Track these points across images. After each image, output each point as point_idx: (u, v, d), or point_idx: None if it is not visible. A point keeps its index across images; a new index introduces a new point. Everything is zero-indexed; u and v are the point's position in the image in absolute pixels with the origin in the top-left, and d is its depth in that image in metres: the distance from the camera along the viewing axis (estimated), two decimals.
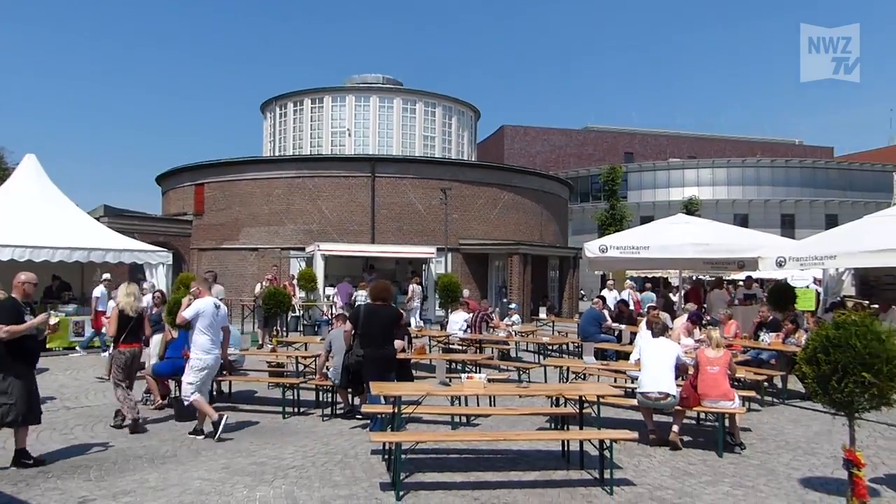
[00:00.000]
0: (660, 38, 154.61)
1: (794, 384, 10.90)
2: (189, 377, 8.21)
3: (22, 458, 6.85)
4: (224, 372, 9.70)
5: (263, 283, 19.21)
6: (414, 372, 11.26)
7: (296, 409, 9.79)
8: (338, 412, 9.67)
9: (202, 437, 8.13)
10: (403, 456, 6.50)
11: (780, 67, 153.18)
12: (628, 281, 23.38)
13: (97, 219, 21.29)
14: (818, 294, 17.53)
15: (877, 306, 12.95)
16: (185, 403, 8.37)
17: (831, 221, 46.77)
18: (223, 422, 8.06)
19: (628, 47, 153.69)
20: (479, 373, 10.38)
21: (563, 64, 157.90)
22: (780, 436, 8.68)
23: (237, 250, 28.94)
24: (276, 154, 37.46)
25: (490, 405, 9.71)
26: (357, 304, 17.26)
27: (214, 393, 10.93)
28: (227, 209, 29.47)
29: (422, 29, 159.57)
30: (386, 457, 7.14)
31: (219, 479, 6.55)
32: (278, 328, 18.16)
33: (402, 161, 30.16)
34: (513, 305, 19.63)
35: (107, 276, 15.89)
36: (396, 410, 6.88)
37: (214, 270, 18.54)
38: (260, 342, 16.88)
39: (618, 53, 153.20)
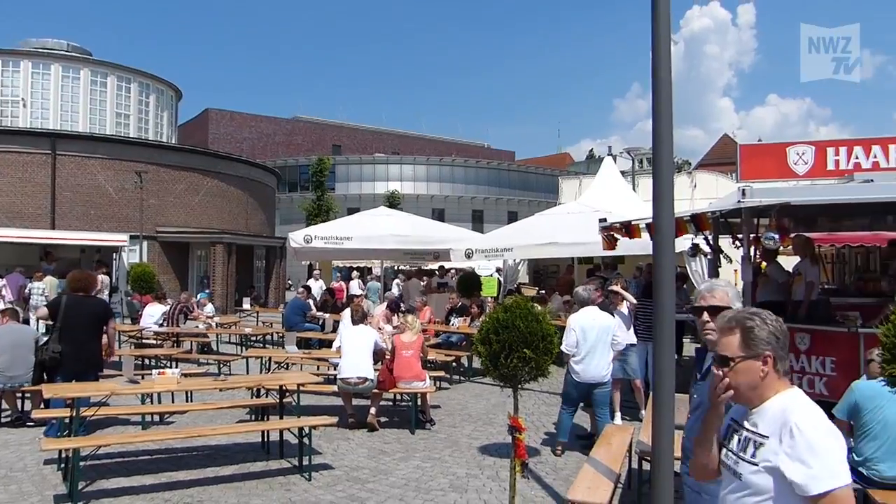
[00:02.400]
0: (369, 36, 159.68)
1: (479, 362, 12.08)
2: None
3: None
4: None
5: None
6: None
7: None
8: (3, 421, 8.42)
9: None
10: (83, 463, 5.92)
11: (475, 75, 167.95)
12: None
13: None
14: (499, 282, 19.64)
15: (543, 292, 14.93)
16: None
17: (512, 217, 52.45)
18: None
19: (338, 41, 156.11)
20: (175, 368, 9.80)
21: (271, 50, 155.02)
22: (464, 410, 9.58)
23: None
24: None
25: (186, 401, 9.23)
26: (31, 297, 15.26)
27: None
28: None
29: None
30: (62, 465, 6.41)
31: None
32: None
33: (89, 139, 27.12)
34: (205, 293, 18.95)
35: None
36: (74, 413, 6.21)
37: None
38: None
39: (328, 46, 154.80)
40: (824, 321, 8.11)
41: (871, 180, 8.80)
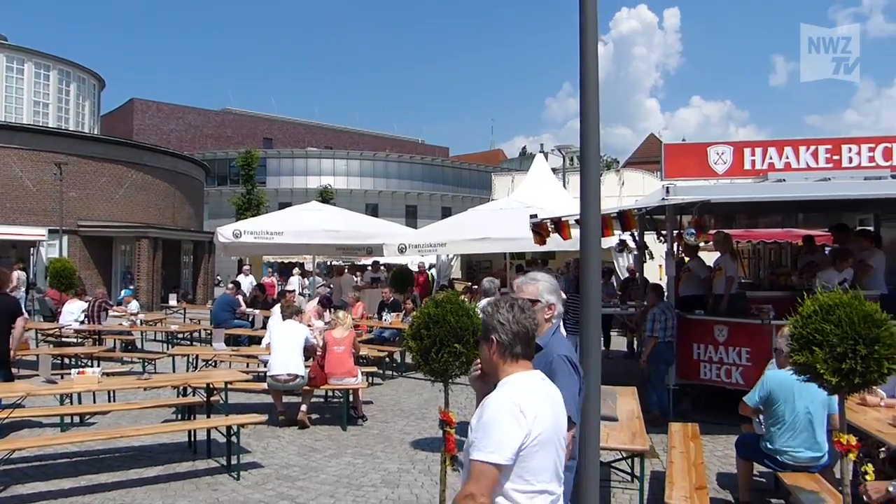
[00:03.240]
0: (302, 29, 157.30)
1: (411, 357, 12.12)
2: None
3: None
4: None
5: None
6: (15, 371, 9.80)
7: None
8: None
9: None
10: None
11: (410, 71, 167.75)
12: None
13: None
14: (432, 277, 19.71)
15: (476, 287, 15.06)
16: None
17: (446, 213, 52.51)
18: None
19: (271, 33, 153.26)
20: (96, 367, 9.47)
21: (201, 39, 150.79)
22: (397, 405, 9.60)
23: None
24: None
25: (109, 401, 8.92)
26: None
27: None
28: None
29: None
30: None
31: None
32: None
33: (5, 128, 25.82)
34: (129, 290, 18.39)
35: None
36: None
37: None
38: None
39: (260, 37, 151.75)
40: (741, 314, 8.48)
41: (784, 180, 9.23)
